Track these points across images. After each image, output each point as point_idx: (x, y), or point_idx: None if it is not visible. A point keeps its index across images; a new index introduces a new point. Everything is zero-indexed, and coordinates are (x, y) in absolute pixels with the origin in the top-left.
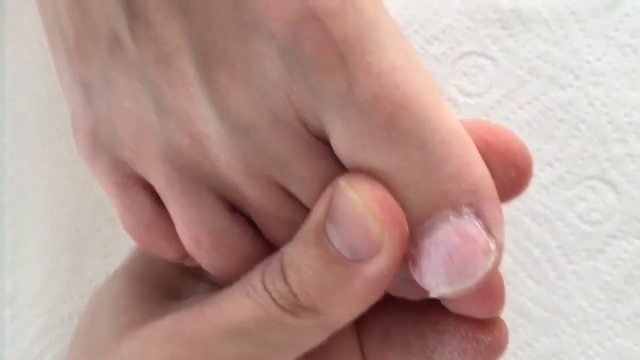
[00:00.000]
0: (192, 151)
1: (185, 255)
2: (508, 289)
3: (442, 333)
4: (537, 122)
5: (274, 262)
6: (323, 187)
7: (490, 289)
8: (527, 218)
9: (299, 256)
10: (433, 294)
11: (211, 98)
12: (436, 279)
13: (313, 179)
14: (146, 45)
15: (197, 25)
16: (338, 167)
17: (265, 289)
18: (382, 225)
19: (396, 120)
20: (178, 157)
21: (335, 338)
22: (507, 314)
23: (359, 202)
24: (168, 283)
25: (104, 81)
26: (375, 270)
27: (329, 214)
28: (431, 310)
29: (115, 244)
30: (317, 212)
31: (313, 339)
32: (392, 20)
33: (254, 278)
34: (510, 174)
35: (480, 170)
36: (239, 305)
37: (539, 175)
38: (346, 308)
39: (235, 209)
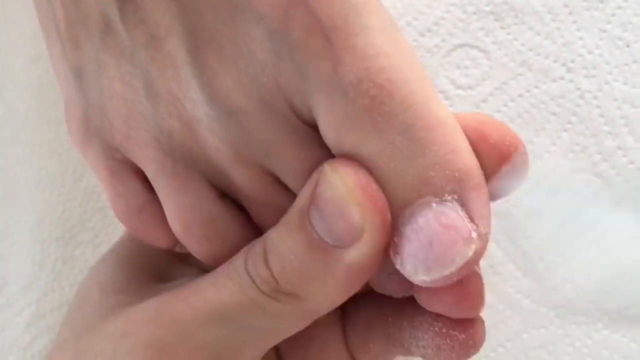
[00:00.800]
0: (182, 135)
1: (175, 242)
2: (497, 280)
3: (417, 328)
4: (529, 115)
5: (257, 246)
6: (311, 174)
7: (467, 290)
8: (517, 210)
9: (281, 241)
10: (413, 282)
11: (200, 81)
12: (415, 266)
13: (301, 166)
14: (136, 28)
15: (187, 8)
16: (326, 154)
17: (248, 273)
18: (363, 211)
19: (380, 104)
20: (169, 142)
21: (320, 327)
22: (495, 306)
23: (341, 187)
24: (157, 267)
25: (95, 66)
26: (357, 257)
27: (313, 199)
28: (410, 304)
29: (106, 233)
30: (302, 197)
31: (293, 325)
32: (383, 6)
33: (237, 262)
34: (502, 166)
35: (465, 159)
36: (221, 288)
37: (530, 168)
38: (326, 295)
39: (226, 195)
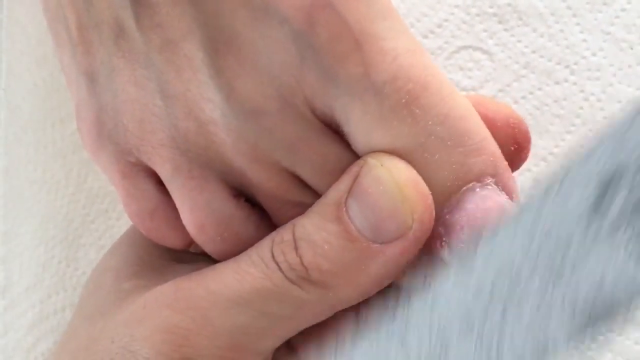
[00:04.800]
0: (198, 136)
1: (190, 242)
2: None
3: None
4: (532, 117)
5: (285, 233)
6: (334, 170)
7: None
8: None
9: (315, 229)
10: None
11: (219, 82)
12: None
13: (323, 162)
14: (151, 31)
15: (205, 11)
16: (348, 153)
17: (274, 258)
18: (412, 207)
19: (417, 97)
20: (184, 142)
21: (336, 316)
22: None
23: (390, 181)
24: (170, 249)
25: (109, 70)
26: (396, 253)
27: (353, 191)
28: None
29: (110, 235)
30: (339, 189)
31: (315, 315)
32: (396, 10)
33: (263, 248)
34: (510, 147)
35: (494, 144)
36: (242, 274)
37: (533, 170)
38: (356, 287)
39: (240, 195)
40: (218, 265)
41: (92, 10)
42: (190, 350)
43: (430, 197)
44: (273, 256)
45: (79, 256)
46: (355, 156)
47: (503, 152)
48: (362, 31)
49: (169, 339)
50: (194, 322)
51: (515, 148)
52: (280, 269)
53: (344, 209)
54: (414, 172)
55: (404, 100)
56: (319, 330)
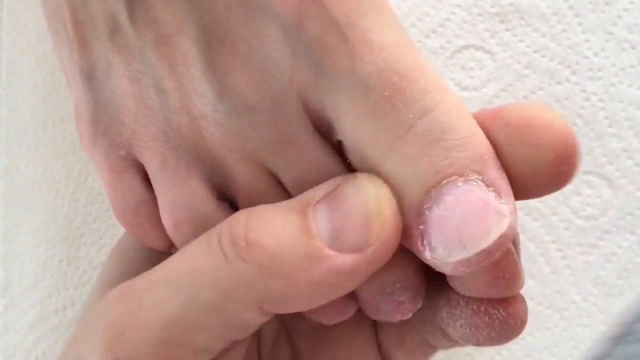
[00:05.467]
0: (189, 130)
1: (171, 244)
2: None
3: (454, 307)
4: None
5: (240, 213)
6: (315, 181)
7: (501, 266)
8: (522, 212)
9: (273, 215)
10: (445, 268)
11: (211, 78)
12: (449, 247)
13: (305, 166)
14: (146, 26)
15: (199, 7)
16: (334, 164)
17: (220, 234)
18: (382, 225)
19: (401, 90)
20: (176, 137)
21: (349, 327)
22: None
23: (371, 193)
24: (155, 258)
25: (105, 65)
26: (345, 266)
27: (329, 196)
28: (445, 285)
29: (111, 235)
30: (314, 192)
31: (242, 307)
32: (388, 3)
33: (215, 228)
34: (548, 156)
35: (485, 143)
36: (185, 255)
37: None
38: (291, 286)
39: (223, 198)
40: (171, 255)
41: (88, 6)
42: (122, 347)
43: (401, 227)
44: (220, 233)
45: (80, 255)
46: (341, 168)
47: (537, 160)
48: (349, 25)
49: (106, 336)
50: (130, 315)
51: (554, 157)
52: (220, 245)
53: (312, 208)
54: (395, 202)
55: (387, 93)
56: (329, 337)
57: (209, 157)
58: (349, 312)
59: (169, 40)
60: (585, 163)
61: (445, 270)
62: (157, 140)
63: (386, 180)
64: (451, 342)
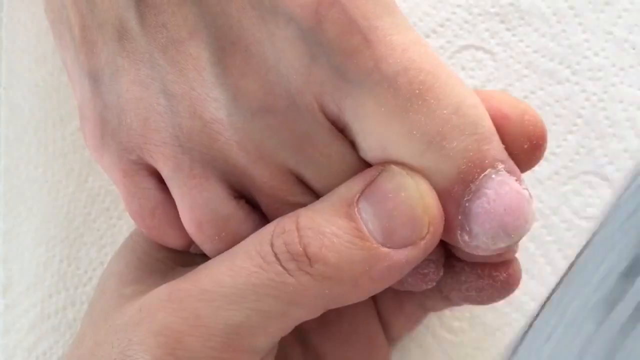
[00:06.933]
0: (202, 135)
1: (190, 243)
2: None
3: (459, 273)
4: None
5: (286, 223)
6: (338, 173)
7: None
8: None
9: (323, 222)
10: (485, 253)
11: (225, 82)
12: (494, 237)
13: (328, 163)
14: (156, 31)
15: (212, 11)
16: (353, 156)
17: (273, 249)
18: (430, 218)
19: (430, 86)
20: (188, 141)
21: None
22: (501, 309)
23: (414, 189)
24: (172, 253)
25: (113, 70)
26: (402, 260)
27: (368, 193)
28: (448, 254)
29: (111, 234)
30: (351, 188)
31: (307, 312)
32: (399, 8)
33: (261, 240)
34: (524, 145)
35: (496, 134)
36: (236, 269)
37: (535, 170)
38: (355, 287)
39: (240, 196)
40: (213, 261)
41: (96, 11)
42: (183, 352)
43: (444, 216)
44: (272, 247)
45: (80, 255)
46: (361, 160)
47: (516, 148)
48: (369, 27)
49: (162, 342)
50: (187, 323)
51: (529, 145)
52: (278, 260)
53: (355, 207)
54: (436, 193)
55: (417, 91)
56: (342, 337)
57: (224, 159)
58: (437, 276)
59: (180, 45)
60: (585, 163)
61: (479, 252)
62: (168, 145)
63: (420, 173)
64: (447, 304)
